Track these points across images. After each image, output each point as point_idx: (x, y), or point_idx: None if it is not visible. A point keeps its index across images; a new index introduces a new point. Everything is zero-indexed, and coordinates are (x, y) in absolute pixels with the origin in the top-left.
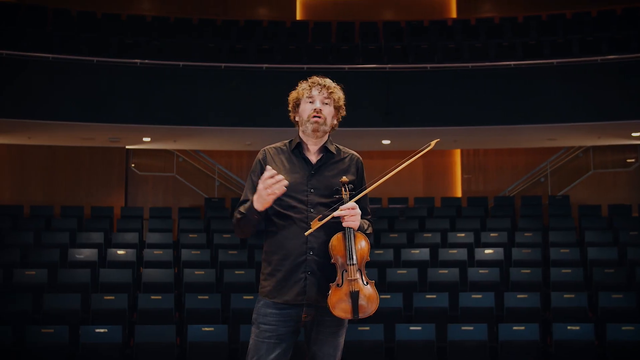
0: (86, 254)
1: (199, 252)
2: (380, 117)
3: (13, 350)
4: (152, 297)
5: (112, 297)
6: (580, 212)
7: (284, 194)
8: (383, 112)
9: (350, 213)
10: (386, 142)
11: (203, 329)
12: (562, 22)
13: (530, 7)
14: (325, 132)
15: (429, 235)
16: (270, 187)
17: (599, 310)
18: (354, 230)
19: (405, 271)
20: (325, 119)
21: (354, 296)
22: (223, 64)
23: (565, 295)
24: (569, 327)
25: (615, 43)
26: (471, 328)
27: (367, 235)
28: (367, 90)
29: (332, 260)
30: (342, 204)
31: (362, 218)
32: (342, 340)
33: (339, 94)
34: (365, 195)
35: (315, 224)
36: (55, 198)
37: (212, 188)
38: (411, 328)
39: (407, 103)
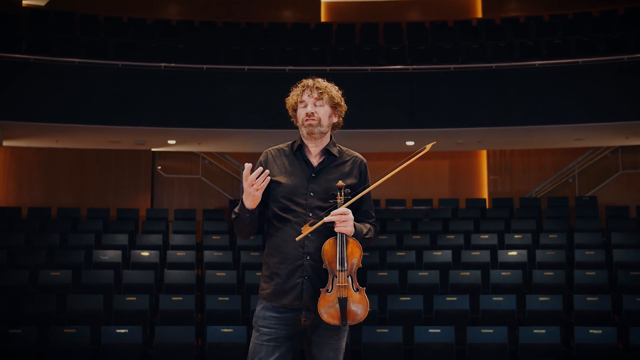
0: (110, 255)
1: (221, 253)
2: (404, 118)
3: (37, 350)
4: (174, 298)
5: (134, 298)
6: (608, 214)
7: (284, 197)
8: (407, 113)
9: (340, 219)
10: (410, 143)
11: (222, 330)
12: (589, 20)
13: (557, 5)
14: (322, 134)
15: (452, 237)
16: (254, 182)
17: (623, 314)
18: (346, 235)
19: (426, 273)
20: (320, 120)
21: (342, 303)
22: (246, 67)
23: (588, 298)
24: (590, 331)
25: None
26: (491, 331)
27: (368, 240)
28: (390, 91)
29: (324, 266)
30: (335, 209)
31: (364, 221)
32: (343, 344)
33: (331, 92)
34: (369, 197)
35: (306, 229)
36: (83, 200)
37: (237, 190)
38: (430, 330)
39: (430, 104)
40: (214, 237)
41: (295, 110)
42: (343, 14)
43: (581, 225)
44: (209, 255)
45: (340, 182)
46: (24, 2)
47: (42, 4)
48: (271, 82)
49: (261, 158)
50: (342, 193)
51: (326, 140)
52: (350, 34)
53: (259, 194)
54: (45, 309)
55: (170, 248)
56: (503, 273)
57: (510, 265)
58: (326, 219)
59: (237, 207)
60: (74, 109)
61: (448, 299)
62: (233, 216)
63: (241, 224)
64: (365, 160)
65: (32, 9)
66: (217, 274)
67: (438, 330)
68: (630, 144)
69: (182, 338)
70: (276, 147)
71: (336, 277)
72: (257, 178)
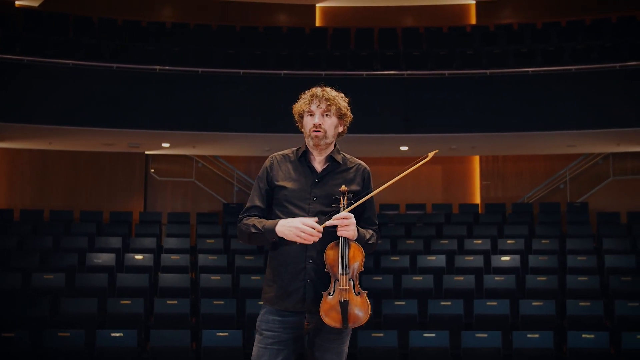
0: (104, 258)
1: (215, 257)
2: (398, 123)
3: (30, 354)
4: (168, 301)
5: (129, 302)
6: (599, 219)
7: (287, 201)
8: (401, 118)
9: (343, 222)
10: (404, 148)
11: (218, 334)
12: (582, 28)
13: (550, 13)
14: (327, 144)
15: (446, 241)
16: (306, 234)
17: (615, 319)
18: (348, 239)
19: (420, 278)
20: (326, 132)
21: (344, 306)
22: (242, 70)
23: (580, 303)
24: (583, 335)
25: (634, 49)
26: (485, 335)
27: (371, 245)
28: (385, 96)
29: (326, 269)
30: (338, 213)
31: (367, 228)
32: (345, 348)
33: (340, 103)
34: (372, 205)
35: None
36: (76, 203)
37: (231, 193)
38: (425, 335)
39: (425, 109)
40: (208, 241)
41: (302, 117)
42: (338, 19)
43: (573, 231)
44: (203, 258)
45: (343, 187)
46: (17, 2)
47: (36, 4)
48: (267, 86)
49: (266, 163)
50: (346, 198)
51: (331, 147)
52: (346, 39)
53: (297, 240)
54: (39, 313)
55: (164, 252)
56: (496, 278)
57: (504, 270)
58: (328, 223)
59: (261, 223)
60: (68, 111)
61: (442, 303)
62: (253, 230)
63: (259, 241)
64: (368, 168)
65: (25, 9)
66: (212, 277)
67: (433, 335)
68: (621, 151)
69: (177, 342)
70: (281, 153)
71: (338, 280)
72: (311, 230)
